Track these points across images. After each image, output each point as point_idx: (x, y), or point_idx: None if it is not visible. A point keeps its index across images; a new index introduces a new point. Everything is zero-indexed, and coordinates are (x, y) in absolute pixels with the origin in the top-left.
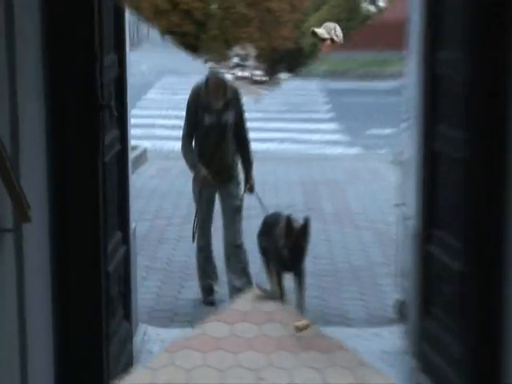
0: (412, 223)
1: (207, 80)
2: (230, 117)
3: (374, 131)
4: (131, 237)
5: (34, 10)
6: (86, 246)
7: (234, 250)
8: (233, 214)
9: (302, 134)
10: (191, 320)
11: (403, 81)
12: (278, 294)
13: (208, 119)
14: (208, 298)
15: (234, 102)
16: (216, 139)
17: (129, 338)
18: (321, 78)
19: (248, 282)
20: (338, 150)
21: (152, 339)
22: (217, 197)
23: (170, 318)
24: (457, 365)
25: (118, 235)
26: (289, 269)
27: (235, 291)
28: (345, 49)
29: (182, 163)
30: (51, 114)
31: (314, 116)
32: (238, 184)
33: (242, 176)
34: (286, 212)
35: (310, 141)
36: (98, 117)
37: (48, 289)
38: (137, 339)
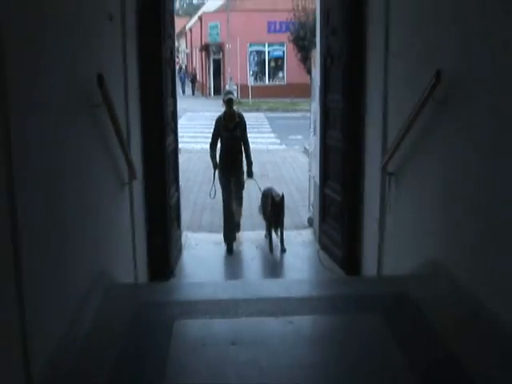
0: (316, 180)
1: (224, 112)
2: (238, 132)
3: (293, 136)
4: (180, 188)
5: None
6: (160, 193)
7: (237, 208)
8: (239, 190)
9: (257, 139)
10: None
11: (308, 111)
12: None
13: (225, 134)
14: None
15: (240, 123)
16: (230, 145)
17: (179, 238)
18: (264, 111)
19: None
20: (274, 147)
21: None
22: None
23: (198, 227)
24: (339, 246)
25: (174, 187)
26: (274, 223)
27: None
28: (276, 97)
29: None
30: (143, 126)
31: (262, 129)
32: (243, 173)
33: (245, 168)
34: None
35: (261, 142)
36: (164, 130)
37: (143, 213)
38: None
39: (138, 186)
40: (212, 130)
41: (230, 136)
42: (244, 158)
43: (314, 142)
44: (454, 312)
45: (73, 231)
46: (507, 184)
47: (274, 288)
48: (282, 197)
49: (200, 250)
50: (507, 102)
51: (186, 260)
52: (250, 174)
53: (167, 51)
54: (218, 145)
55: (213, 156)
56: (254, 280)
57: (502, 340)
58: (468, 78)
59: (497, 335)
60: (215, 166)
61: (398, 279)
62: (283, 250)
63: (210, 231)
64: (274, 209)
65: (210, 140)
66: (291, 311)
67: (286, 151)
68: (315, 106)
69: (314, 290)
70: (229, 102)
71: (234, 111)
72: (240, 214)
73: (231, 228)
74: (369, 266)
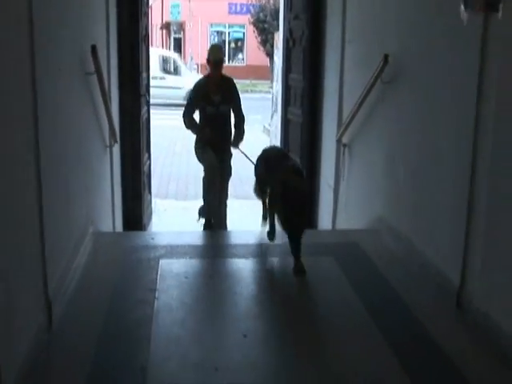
0: None
1: (207, 78)
2: (227, 107)
3: (253, 116)
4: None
5: None
6: (135, 158)
7: (221, 208)
8: (224, 178)
9: None
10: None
11: (267, 93)
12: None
13: (209, 109)
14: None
15: (230, 93)
16: (216, 124)
17: (150, 203)
18: None
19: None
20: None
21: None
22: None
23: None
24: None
25: (146, 155)
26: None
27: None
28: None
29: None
30: (121, 96)
31: None
32: (231, 157)
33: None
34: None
35: None
36: (139, 100)
37: (119, 176)
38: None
39: (116, 151)
40: (187, 100)
41: (216, 113)
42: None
43: (275, 122)
44: (396, 259)
45: (71, 179)
46: (440, 152)
47: (245, 236)
48: (303, 180)
49: (169, 215)
50: (437, 81)
51: (156, 223)
52: (236, 143)
53: (143, 28)
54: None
55: (190, 122)
56: (228, 231)
57: (432, 277)
58: (408, 61)
59: (430, 277)
60: (198, 131)
61: (349, 232)
62: (300, 272)
63: (177, 199)
64: (291, 201)
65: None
66: (260, 254)
67: (248, 130)
68: (277, 86)
69: (279, 239)
70: (217, 64)
71: (222, 76)
72: (225, 217)
73: (213, 200)
74: (324, 225)
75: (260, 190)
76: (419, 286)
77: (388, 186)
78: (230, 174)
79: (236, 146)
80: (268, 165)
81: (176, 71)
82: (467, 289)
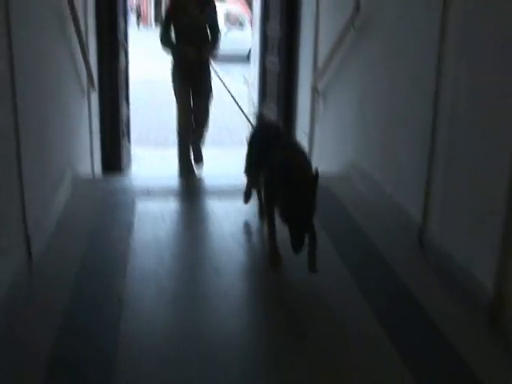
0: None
1: None
2: (204, 19)
3: (234, 68)
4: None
5: None
6: (113, 105)
7: (199, 129)
8: (202, 98)
9: None
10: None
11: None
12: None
13: (184, 20)
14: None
15: (209, 6)
16: (192, 37)
17: (129, 150)
18: None
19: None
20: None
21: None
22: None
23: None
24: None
25: (124, 102)
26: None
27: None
28: None
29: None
30: (99, 43)
31: None
32: (209, 77)
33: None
34: None
35: None
36: (117, 47)
37: (98, 122)
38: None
39: (94, 98)
40: (163, 19)
41: (192, 23)
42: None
43: (253, 72)
44: (366, 201)
45: (49, 123)
46: (406, 102)
47: (219, 180)
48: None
49: (147, 163)
50: (402, 31)
51: (135, 171)
52: (210, 51)
53: None
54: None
55: (170, 44)
56: (203, 176)
57: (398, 218)
58: (378, 10)
59: (396, 217)
60: (174, 51)
61: (321, 177)
62: (313, 270)
63: (156, 148)
64: (296, 185)
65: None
66: (233, 196)
67: (228, 81)
68: (256, 36)
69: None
70: None
71: None
72: (201, 136)
73: (187, 158)
74: None
75: (252, 175)
76: (386, 226)
77: (359, 132)
78: (208, 96)
79: (209, 53)
80: (262, 144)
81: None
82: (428, 227)
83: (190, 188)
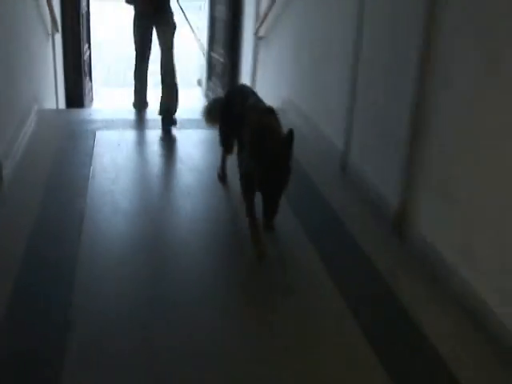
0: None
1: None
2: None
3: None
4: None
5: None
6: (75, 46)
7: (167, 72)
8: (167, 44)
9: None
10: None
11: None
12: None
13: None
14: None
15: None
16: None
17: (91, 89)
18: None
19: (175, 102)
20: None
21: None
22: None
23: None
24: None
25: (86, 45)
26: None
27: (164, 108)
28: None
29: None
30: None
31: None
32: (171, 22)
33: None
34: None
35: None
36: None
37: (61, 62)
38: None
39: (58, 40)
40: None
41: None
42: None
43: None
44: (299, 133)
45: (14, 62)
46: (332, 44)
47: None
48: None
49: (108, 100)
50: None
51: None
52: None
53: None
54: None
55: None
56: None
57: (326, 147)
58: None
59: (324, 146)
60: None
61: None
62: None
63: (117, 86)
64: (268, 148)
65: None
66: (186, 126)
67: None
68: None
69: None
70: None
71: None
72: (172, 99)
73: (142, 94)
74: None
75: (226, 145)
76: (315, 153)
77: (294, 73)
78: (171, 43)
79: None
80: (232, 109)
81: None
82: (349, 154)
83: (145, 119)
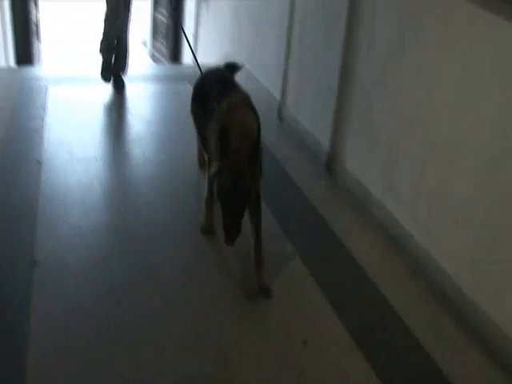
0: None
1: None
2: None
3: None
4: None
5: None
6: (23, 7)
7: (122, 36)
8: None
9: None
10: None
11: None
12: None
13: None
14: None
15: None
16: None
17: (39, 49)
18: None
19: (125, 65)
20: None
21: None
22: None
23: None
24: (165, 56)
25: (33, 5)
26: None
27: (115, 68)
28: None
29: None
30: None
31: None
32: None
33: None
34: None
35: None
36: None
37: (10, 24)
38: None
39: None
40: None
41: None
42: None
43: None
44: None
45: None
46: (271, 5)
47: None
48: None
49: (58, 59)
50: None
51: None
52: None
53: None
54: None
55: None
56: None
57: (264, 97)
58: None
59: (263, 96)
60: None
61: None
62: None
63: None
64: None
65: None
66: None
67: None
68: None
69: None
70: None
71: None
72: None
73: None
74: (186, 61)
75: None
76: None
77: (235, 32)
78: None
79: None
80: (204, 98)
81: None
82: (285, 104)
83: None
